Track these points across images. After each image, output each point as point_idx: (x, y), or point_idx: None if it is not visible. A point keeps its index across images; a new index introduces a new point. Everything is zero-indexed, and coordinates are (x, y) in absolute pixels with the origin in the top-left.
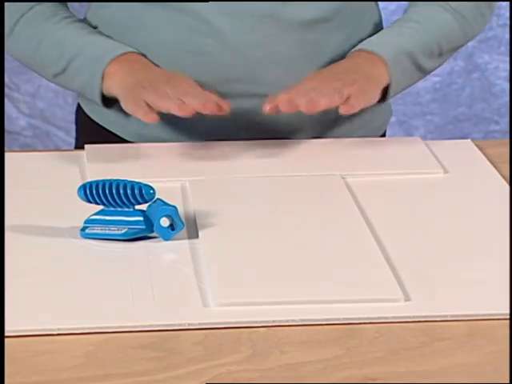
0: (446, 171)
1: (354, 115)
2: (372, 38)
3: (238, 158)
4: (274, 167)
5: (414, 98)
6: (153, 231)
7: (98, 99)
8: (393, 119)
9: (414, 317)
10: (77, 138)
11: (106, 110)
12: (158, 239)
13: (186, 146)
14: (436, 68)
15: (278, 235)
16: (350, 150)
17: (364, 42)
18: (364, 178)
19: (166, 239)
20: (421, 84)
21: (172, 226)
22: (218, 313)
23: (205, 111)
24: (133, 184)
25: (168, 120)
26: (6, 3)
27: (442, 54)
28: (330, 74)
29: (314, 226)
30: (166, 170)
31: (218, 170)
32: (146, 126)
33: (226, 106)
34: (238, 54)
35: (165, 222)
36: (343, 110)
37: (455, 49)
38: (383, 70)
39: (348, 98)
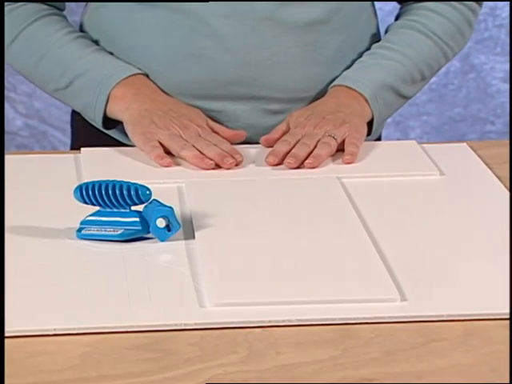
0: (441, 173)
1: None
2: (350, 71)
3: None
4: (271, 169)
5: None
6: (149, 232)
7: (99, 121)
8: (388, 119)
9: (410, 317)
10: (72, 141)
11: None
12: (154, 240)
13: None
14: (420, 90)
15: (274, 236)
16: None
17: (342, 76)
18: (361, 180)
19: (162, 240)
20: None
21: (168, 227)
22: (214, 313)
23: (224, 166)
24: (129, 185)
25: None
26: (6, 17)
27: (424, 79)
28: (317, 117)
29: (310, 227)
30: (162, 172)
31: (213, 172)
32: None
33: (240, 158)
34: (237, 56)
35: (161, 222)
36: (348, 161)
37: (437, 71)
38: (365, 104)
39: (344, 140)
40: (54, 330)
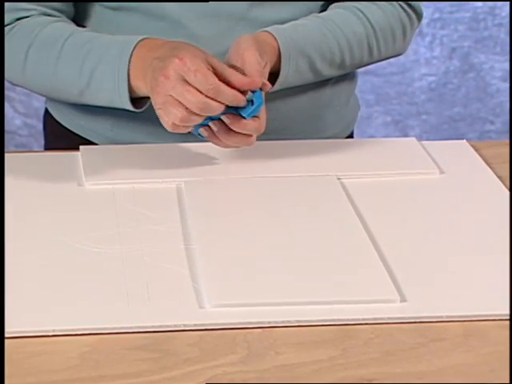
0: (441, 172)
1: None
2: (285, 27)
3: (232, 158)
4: (269, 168)
5: (410, 98)
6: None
7: (127, 102)
8: (388, 119)
9: (410, 318)
10: (45, 144)
11: (74, 114)
12: (153, 239)
13: (181, 147)
14: (333, 75)
15: (273, 236)
16: (345, 151)
17: (275, 27)
18: (360, 179)
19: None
20: (416, 84)
21: (252, 102)
22: (214, 314)
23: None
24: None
25: (144, 122)
26: (7, 41)
27: (342, 66)
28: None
29: (309, 227)
30: (162, 171)
31: (213, 171)
32: (119, 129)
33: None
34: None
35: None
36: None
37: (357, 65)
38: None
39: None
40: (53, 330)
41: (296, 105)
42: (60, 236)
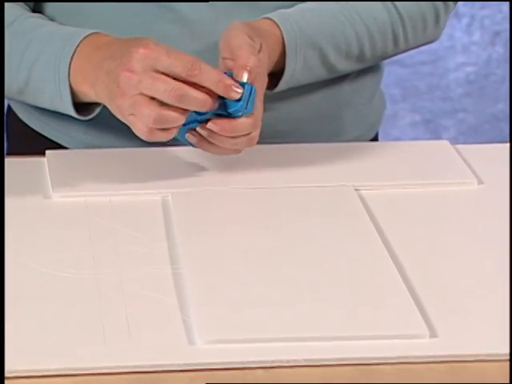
0: (480, 182)
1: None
2: (290, 12)
3: (229, 165)
4: (273, 177)
5: (443, 93)
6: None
7: (69, 106)
8: (417, 118)
9: (441, 356)
10: (7, 148)
11: (42, 113)
12: (134, 263)
13: (167, 152)
14: (352, 70)
15: (278, 259)
16: (364, 157)
17: (278, 13)
18: (381, 190)
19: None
20: (451, 75)
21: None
22: (206, 351)
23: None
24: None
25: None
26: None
27: (361, 59)
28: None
29: (320, 248)
30: (144, 180)
31: (205, 181)
32: (95, 131)
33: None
34: (206, 44)
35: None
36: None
37: (379, 57)
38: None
39: None
40: (15, 371)
41: (308, 103)
42: (22, 258)
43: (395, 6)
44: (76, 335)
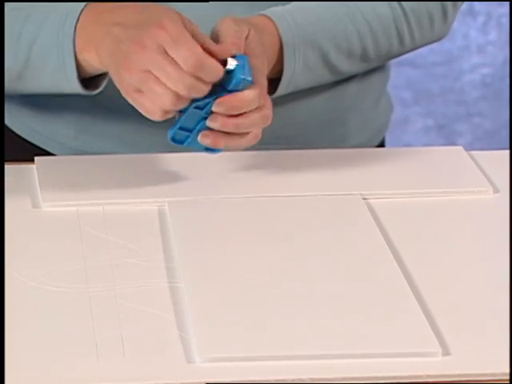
0: (496, 190)
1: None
2: (287, 9)
3: (229, 172)
4: (274, 185)
5: (458, 96)
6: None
7: (75, 82)
8: (429, 122)
9: (455, 375)
10: None
11: (28, 117)
12: (128, 276)
13: (163, 158)
14: (356, 71)
15: (281, 272)
16: (373, 164)
17: (274, 10)
18: (391, 199)
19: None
20: (466, 77)
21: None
22: (205, 370)
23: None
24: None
25: (118, 127)
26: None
27: (364, 59)
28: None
29: (326, 261)
30: (139, 189)
31: (204, 189)
32: (86, 136)
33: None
34: None
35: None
36: None
37: (385, 57)
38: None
39: None
40: None
41: (311, 107)
42: (10, 271)
43: (398, 2)
44: (67, 354)
